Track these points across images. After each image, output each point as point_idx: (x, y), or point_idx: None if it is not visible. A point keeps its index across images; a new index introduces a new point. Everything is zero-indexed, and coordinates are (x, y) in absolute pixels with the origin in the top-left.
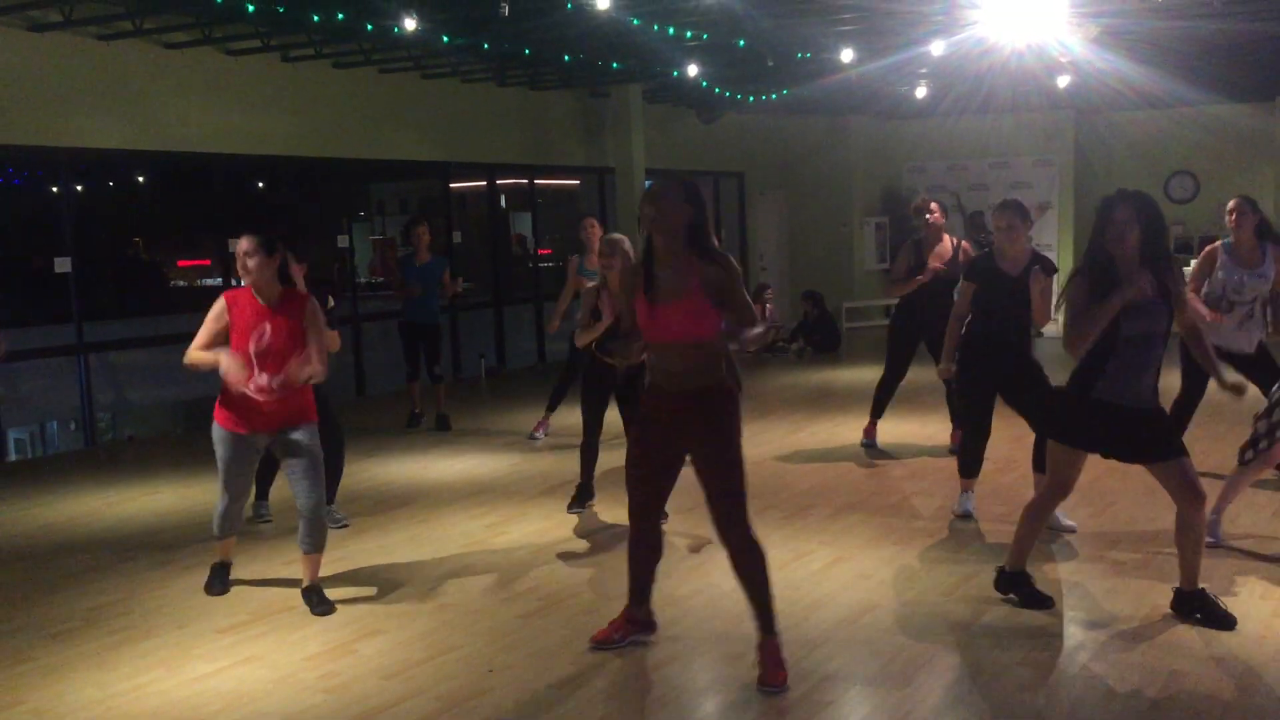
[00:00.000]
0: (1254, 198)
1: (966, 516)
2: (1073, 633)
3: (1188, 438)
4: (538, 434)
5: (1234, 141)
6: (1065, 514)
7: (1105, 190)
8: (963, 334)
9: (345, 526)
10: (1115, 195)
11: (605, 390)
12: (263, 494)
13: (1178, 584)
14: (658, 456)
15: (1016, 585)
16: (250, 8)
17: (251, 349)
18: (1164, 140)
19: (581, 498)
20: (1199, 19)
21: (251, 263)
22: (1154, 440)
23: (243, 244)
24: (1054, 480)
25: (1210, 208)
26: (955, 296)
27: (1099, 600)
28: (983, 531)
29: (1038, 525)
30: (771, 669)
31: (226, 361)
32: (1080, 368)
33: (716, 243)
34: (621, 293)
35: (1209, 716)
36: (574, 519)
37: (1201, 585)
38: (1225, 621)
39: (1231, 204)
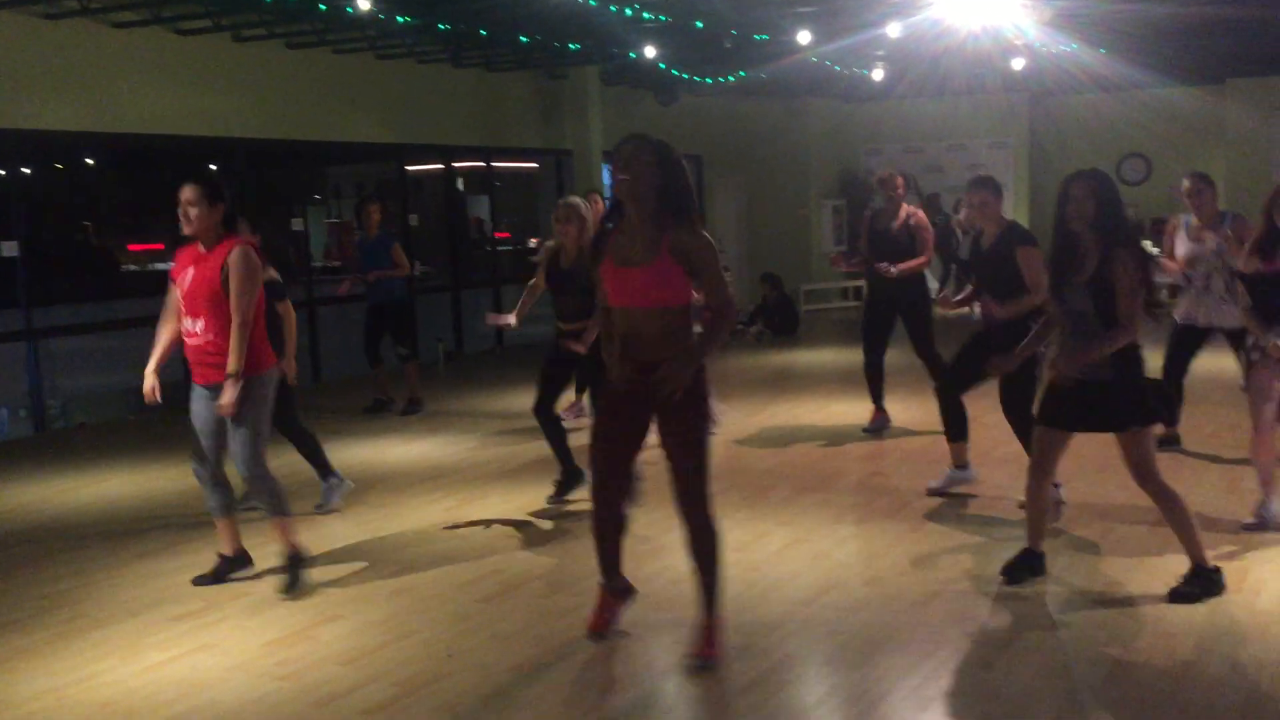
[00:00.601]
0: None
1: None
2: (1030, 610)
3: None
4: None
5: (1185, 124)
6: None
7: (1059, 173)
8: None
9: (349, 490)
10: (1073, 174)
11: (567, 361)
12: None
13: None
14: (625, 428)
15: (1027, 565)
16: None
17: (180, 294)
18: (1117, 123)
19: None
20: (1151, 2)
21: (194, 211)
22: (1109, 411)
23: (185, 192)
24: (1031, 459)
25: (1162, 190)
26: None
27: (1061, 574)
28: (941, 511)
29: (1031, 508)
30: (705, 644)
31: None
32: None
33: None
34: (590, 261)
35: (1164, 690)
36: (534, 502)
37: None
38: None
39: (1187, 182)
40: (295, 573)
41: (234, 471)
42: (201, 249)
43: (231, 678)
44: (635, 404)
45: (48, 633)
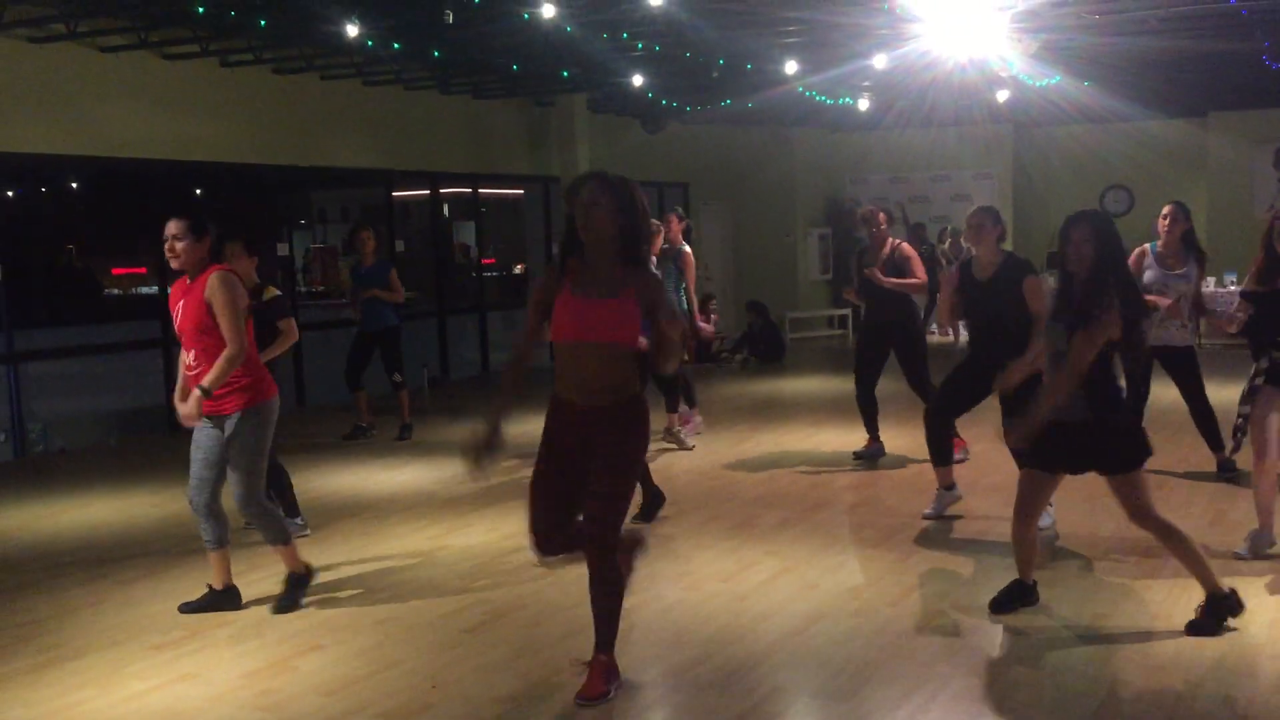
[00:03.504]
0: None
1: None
2: (1019, 642)
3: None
4: (684, 428)
5: (1167, 157)
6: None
7: (1044, 204)
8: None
9: (304, 536)
10: (1073, 216)
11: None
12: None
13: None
14: (559, 478)
15: (1017, 597)
16: (201, 10)
17: (176, 328)
18: (1100, 154)
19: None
20: (1136, 35)
21: (180, 245)
22: (1095, 453)
23: (170, 227)
24: (1016, 503)
25: (1145, 222)
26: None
27: (1049, 606)
28: (931, 540)
29: (1018, 550)
30: (593, 681)
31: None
32: (1035, 391)
33: (655, 251)
34: (543, 289)
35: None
36: (519, 530)
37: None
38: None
39: (1166, 209)
40: (294, 594)
41: (230, 503)
42: (188, 280)
43: (212, 708)
44: (574, 448)
45: (25, 661)
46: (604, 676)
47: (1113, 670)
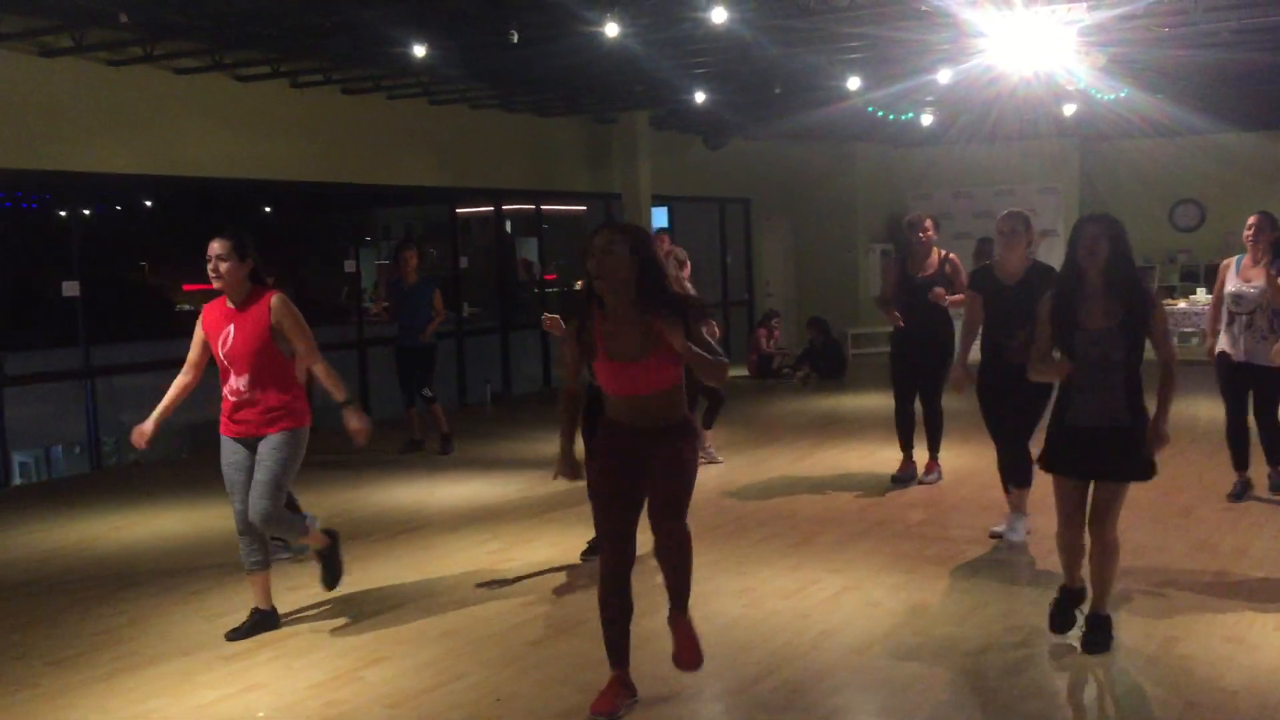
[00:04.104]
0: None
1: (1000, 537)
2: (1086, 662)
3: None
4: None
5: (1241, 170)
6: (1017, 528)
7: None
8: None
9: (281, 560)
10: (1084, 218)
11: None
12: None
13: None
14: (623, 483)
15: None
16: (282, 26)
17: (221, 353)
18: (1170, 168)
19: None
20: (1207, 48)
21: (224, 267)
22: (1118, 458)
23: (214, 247)
24: (1060, 512)
25: (1216, 236)
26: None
27: (1118, 627)
28: (995, 559)
29: (1067, 556)
30: (684, 645)
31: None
32: (1058, 398)
33: (685, 279)
34: (574, 352)
35: None
36: (581, 545)
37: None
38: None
39: (1252, 219)
40: (332, 565)
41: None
42: (230, 304)
43: (280, 718)
44: (627, 464)
45: (100, 670)
46: (692, 634)
47: (1184, 694)
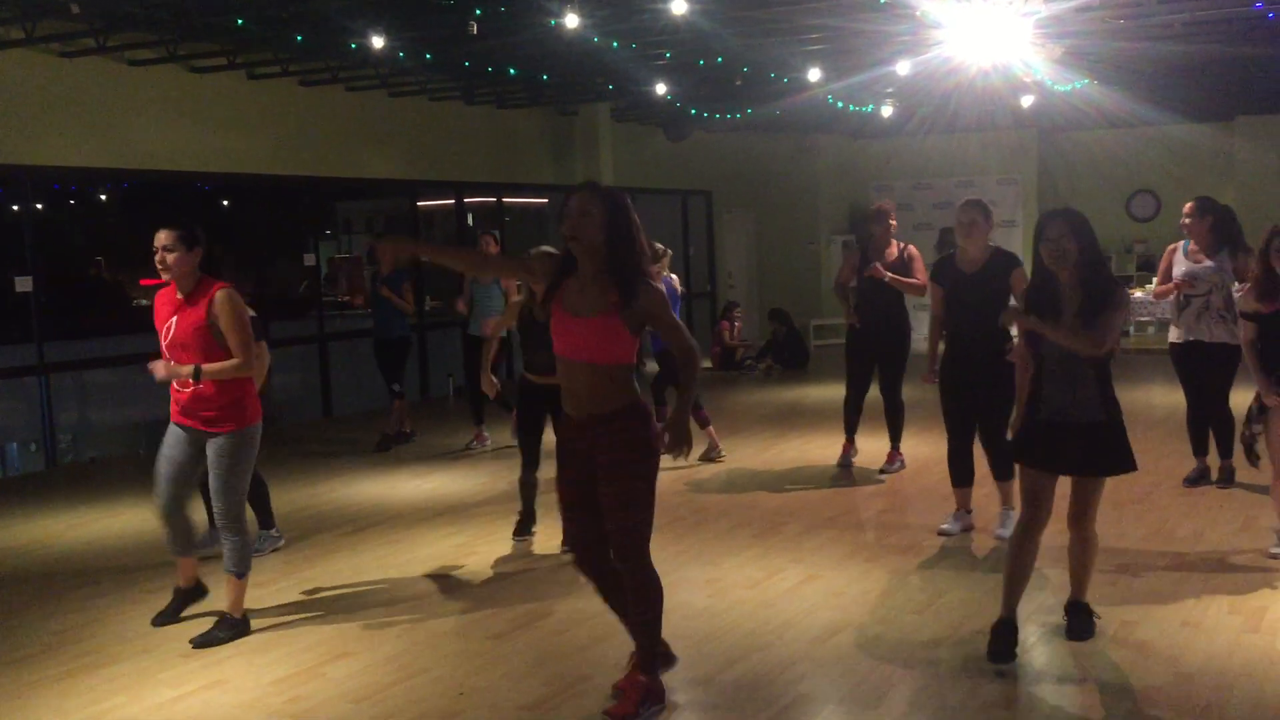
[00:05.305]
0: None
1: (947, 534)
2: (1046, 648)
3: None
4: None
5: (1194, 161)
6: (1006, 523)
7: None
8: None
9: (277, 549)
10: (1046, 214)
11: (539, 415)
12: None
13: (1072, 596)
14: (581, 488)
15: (1002, 634)
16: (240, 21)
17: (164, 344)
18: (1126, 159)
19: (524, 526)
20: (1160, 40)
21: (170, 258)
22: (1098, 452)
23: (160, 237)
24: (1028, 504)
25: (1172, 225)
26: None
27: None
28: (954, 549)
29: (1014, 569)
30: (623, 702)
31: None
32: (1031, 391)
33: (659, 260)
34: (540, 307)
35: None
36: (545, 538)
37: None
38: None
39: (1188, 206)
40: (223, 635)
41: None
42: (179, 295)
43: (243, 715)
44: (582, 460)
45: (58, 669)
46: (640, 699)
47: (1142, 678)
